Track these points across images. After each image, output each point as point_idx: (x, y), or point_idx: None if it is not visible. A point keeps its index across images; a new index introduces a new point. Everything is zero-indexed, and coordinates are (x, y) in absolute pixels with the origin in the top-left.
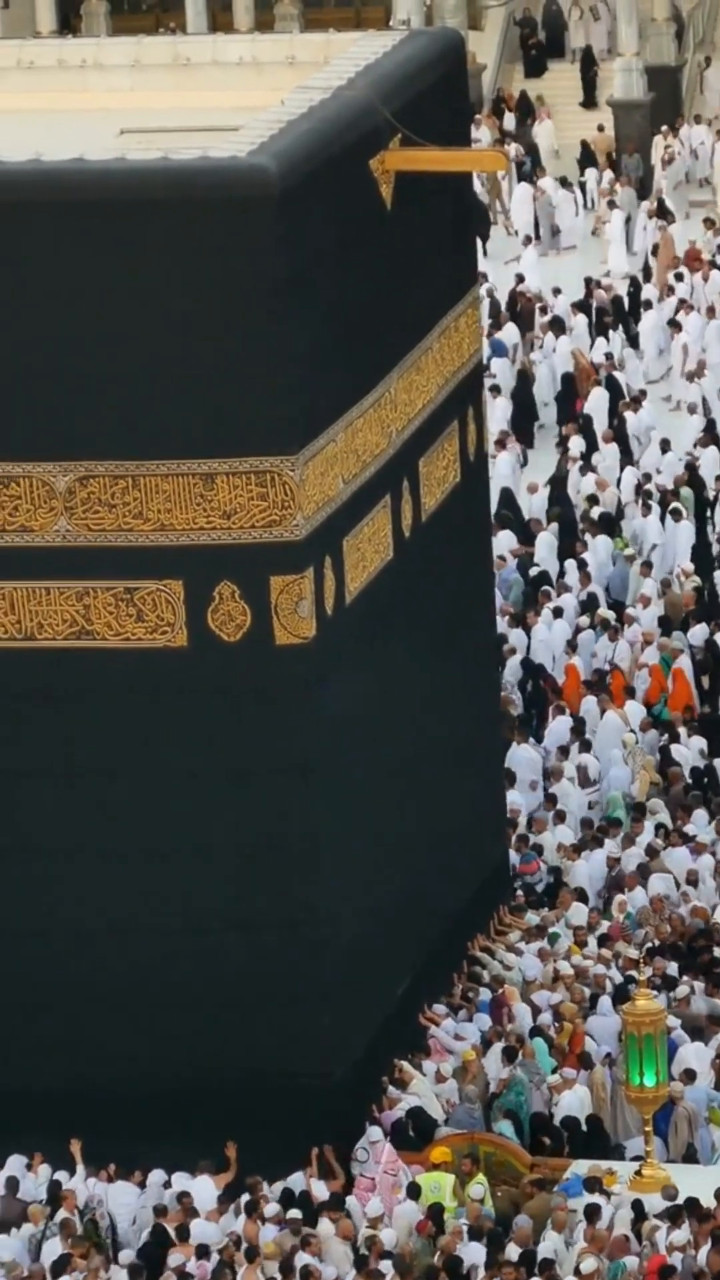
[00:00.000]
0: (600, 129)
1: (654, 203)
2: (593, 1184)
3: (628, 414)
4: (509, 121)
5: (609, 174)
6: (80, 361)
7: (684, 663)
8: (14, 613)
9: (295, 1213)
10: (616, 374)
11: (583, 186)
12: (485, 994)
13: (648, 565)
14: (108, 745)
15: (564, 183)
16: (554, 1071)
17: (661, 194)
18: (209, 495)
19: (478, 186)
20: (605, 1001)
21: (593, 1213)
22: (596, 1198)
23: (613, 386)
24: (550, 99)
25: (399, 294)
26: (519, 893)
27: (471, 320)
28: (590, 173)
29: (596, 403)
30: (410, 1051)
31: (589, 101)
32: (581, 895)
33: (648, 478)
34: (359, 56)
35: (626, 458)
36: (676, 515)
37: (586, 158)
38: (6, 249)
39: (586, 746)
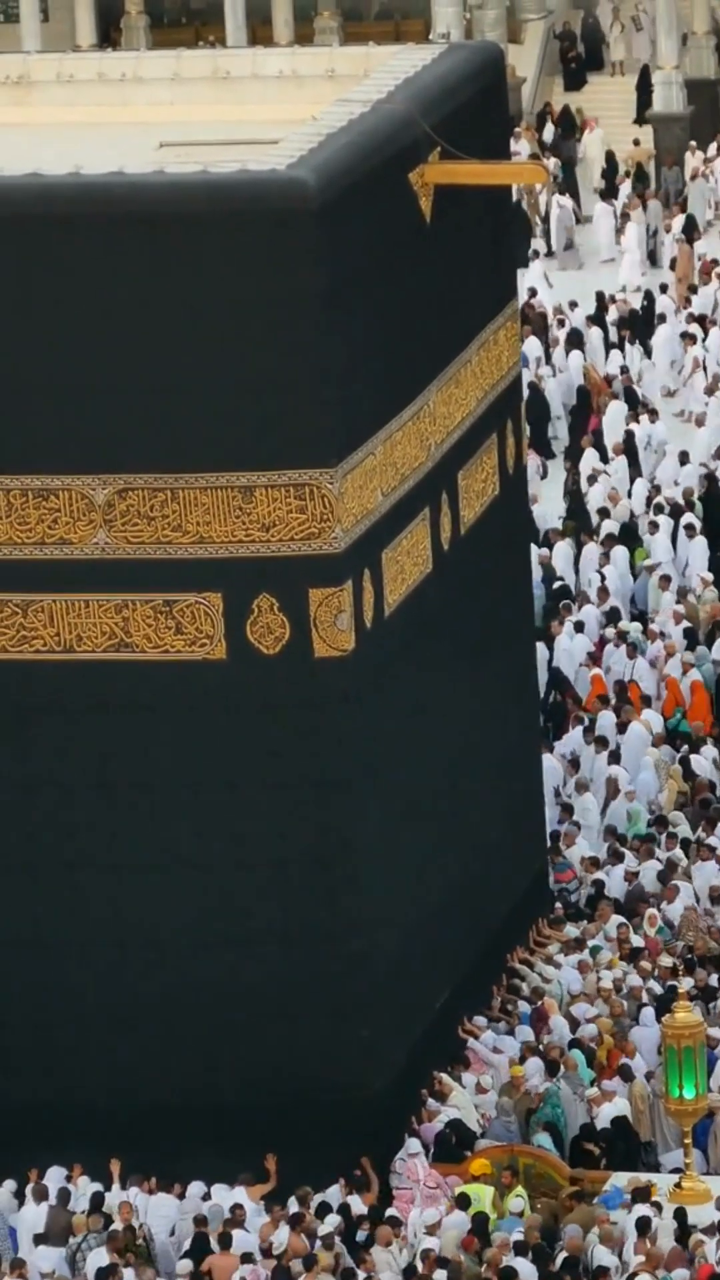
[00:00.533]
0: (636, 143)
1: (673, 216)
2: (642, 1194)
3: (635, 427)
4: (549, 134)
5: (625, 188)
6: (119, 374)
7: (698, 675)
8: (53, 625)
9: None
10: (635, 387)
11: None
12: (525, 1006)
13: (666, 579)
14: (147, 758)
15: (603, 195)
16: (592, 1084)
17: (687, 208)
18: (248, 508)
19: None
20: (648, 1013)
21: (644, 1225)
22: (646, 1209)
23: (630, 399)
24: (590, 112)
25: (438, 307)
26: (558, 905)
27: (510, 333)
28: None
29: (614, 416)
30: (450, 1063)
31: (642, 117)
32: (619, 908)
33: (657, 489)
34: (399, 70)
35: (635, 470)
36: (690, 531)
37: (612, 170)
38: (46, 262)
39: (615, 758)
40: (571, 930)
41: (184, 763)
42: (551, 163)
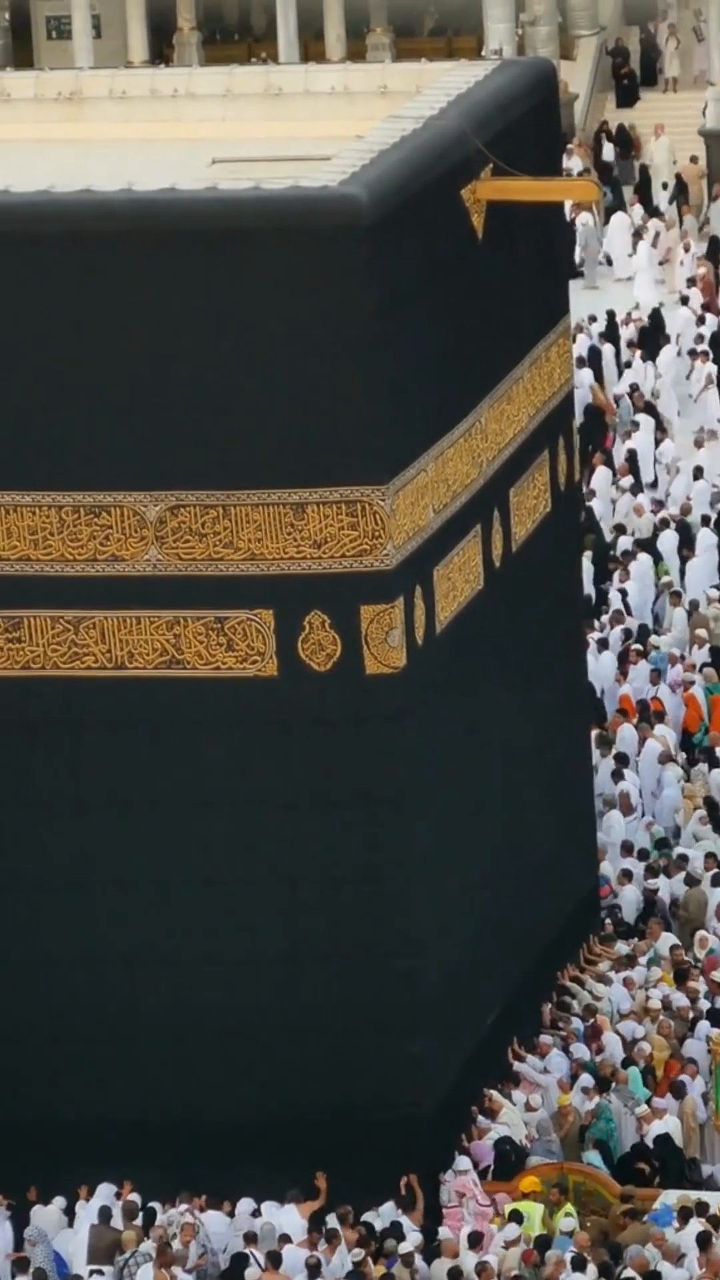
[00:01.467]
0: (694, 160)
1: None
2: (700, 1209)
3: (632, 444)
4: (608, 152)
5: (638, 208)
6: (171, 391)
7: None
8: (104, 642)
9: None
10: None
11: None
12: (577, 1023)
13: (676, 594)
14: (198, 774)
15: (655, 211)
16: (647, 1101)
17: (710, 227)
18: (299, 525)
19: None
20: (704, 1026)
21: (704, 1240)
22: (702, 1224)
23: (653, 414)
24: (642, 129)
25: (490, 324)
26: (608, 922)
27: (563, 350)
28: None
29: (644, 432)
30: (500, 1081)
31: None
32: (667, 925)
33: (660, 505)
34: (451, 86)
35: (636, 487)
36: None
37: (680, 188)
38: (98, 278)
39: (620, 775)
40: (622, 948)
41: (235, 780)
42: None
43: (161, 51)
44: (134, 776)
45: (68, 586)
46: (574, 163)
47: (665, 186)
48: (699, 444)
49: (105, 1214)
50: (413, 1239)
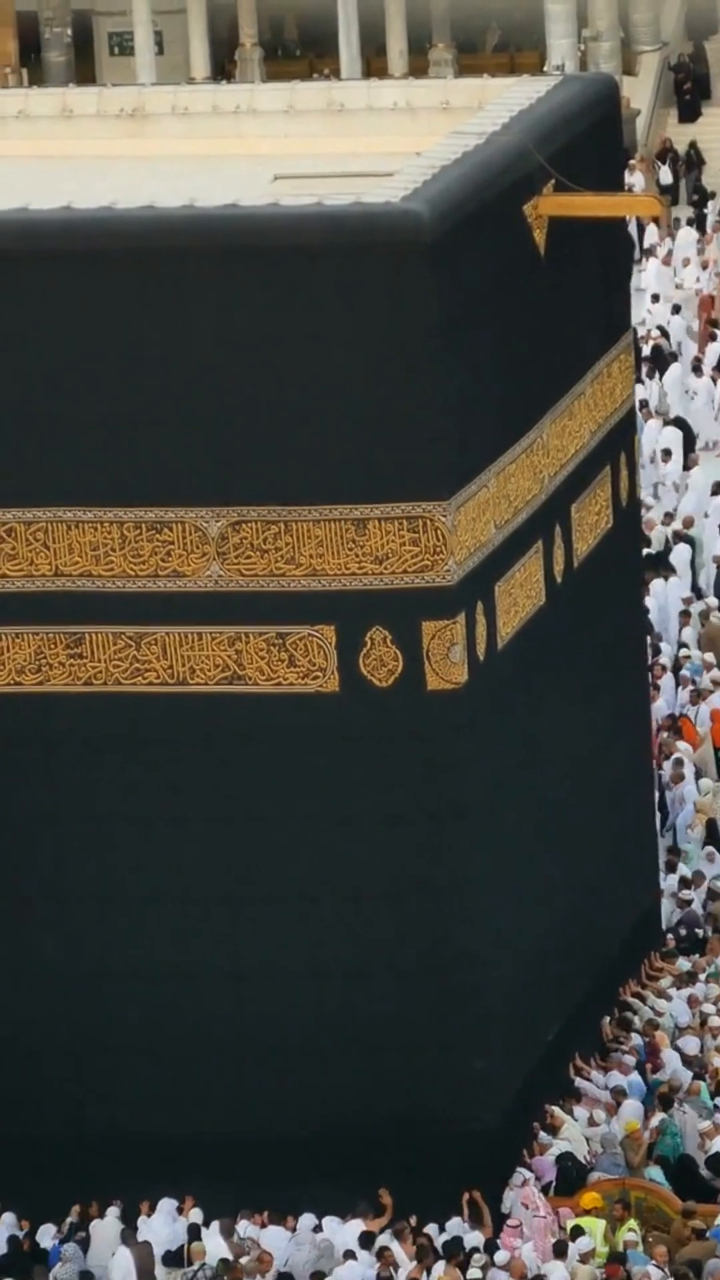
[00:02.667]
0: None
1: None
2: None
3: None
4: (665, 175)
5: (653, 227)
6: (232, 407)
7: None
8: (166, 658)
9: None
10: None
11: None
12: (637, 1040)
13: (685, 613)
14: (260, 790)
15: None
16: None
17: None
18: (361, 540)
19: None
20: None
21: None
22: None
23: (683, 427)
24: (704, 144)
25: (552, 339)
26: (669, 937)
27: (624, 365)
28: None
29: (671, 441)
30: (561, 1096)
31: None
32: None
33: (669, 518)
34: (513, 102)
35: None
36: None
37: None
38: (160, 295)
39: None
40: (683, 964)
41: (296, 795)
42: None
43: (224, 68)
44: (195, 792)
45: (129, 602)
46: (636, 178)
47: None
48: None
49: (194, 1231)
50: (481, 1257)
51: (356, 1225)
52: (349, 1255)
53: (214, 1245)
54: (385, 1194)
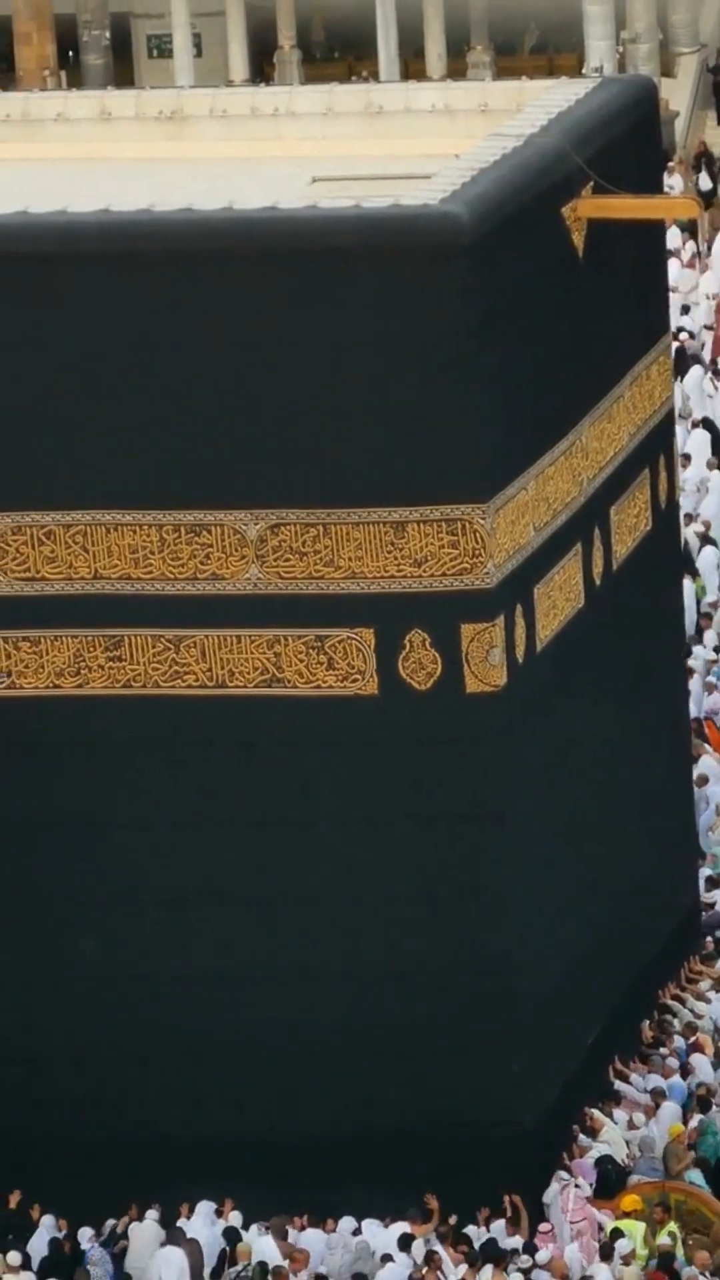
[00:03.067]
0: None
1: None
2: None
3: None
4: (704, 181)
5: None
6: (271, 409)
7: None
8: (205, 660)
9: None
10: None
11: None
12: (679, 1042)
13: (707, 616)
14: (298, 793)
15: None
16: None
17: None
18: (400, 543)
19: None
20: None
21: None
22: None
23: (711, 429)
24: None
25: (590, 341)
26: (709, 940)
27: (663, 368)
28: None
29: (697, 444)
30: (601, 1099)
31: None
32: None
33: (690, 518)
34: (551, 104)
35: None
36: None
37: None
38: (198, 297)
39: None
40: None
41: (335, 798)
42: None
43: (262, 70)
44: (233, 795)
45: (168, 605)
46: (675, 180)
47: None
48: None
49: (233, 1234)
50: (525, 1259)
51: (398, 1229)
52: (386, 1259)
53: (264, 1245)
54: (431, 1199)
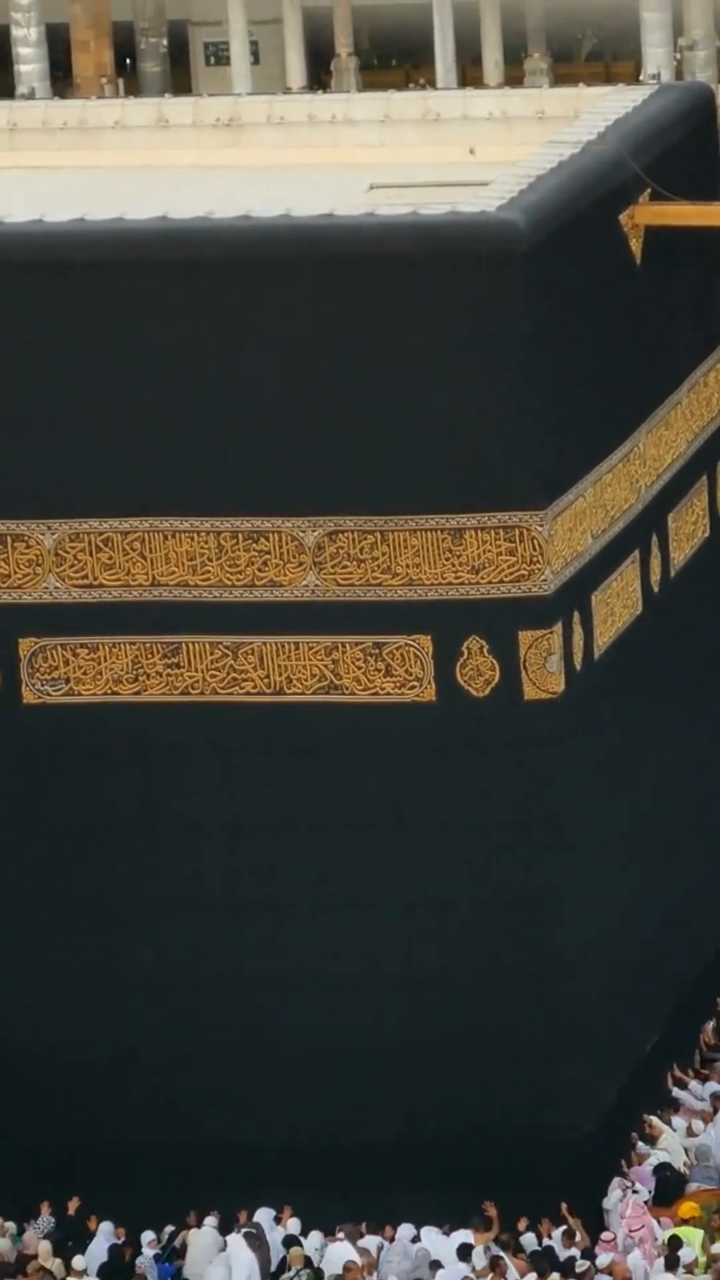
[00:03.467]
0: None
1: None
2: None
3: None
4: None
5: None
6: (329, 416)
7: None
8: (263, 667)
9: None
10: None
11: None
12: None
13: None
14: (356, 799)
15: None
16: None
17: None
18: (457, 550)
19: None
20: None
21: None
22: None
23: None
24: None
25: (648, 349)
26: None
27: None
28: None
29: None
30: (659, 1106)
31: None
32: None
33: None
34: (609, 111)
35: None
36: None
37: None
38: (256, 305)
39: None
40: None
41: (391, 804)
42: None
43: (319, 77)
44: (290, 801)
45: (226, 612)
46: None
47: None
48: None
49: (292, 1240)
50: (583, 1264)
51: (459, 1236)
52: (435, 1265)
53: (342, 1250)
54: (490, 1207)
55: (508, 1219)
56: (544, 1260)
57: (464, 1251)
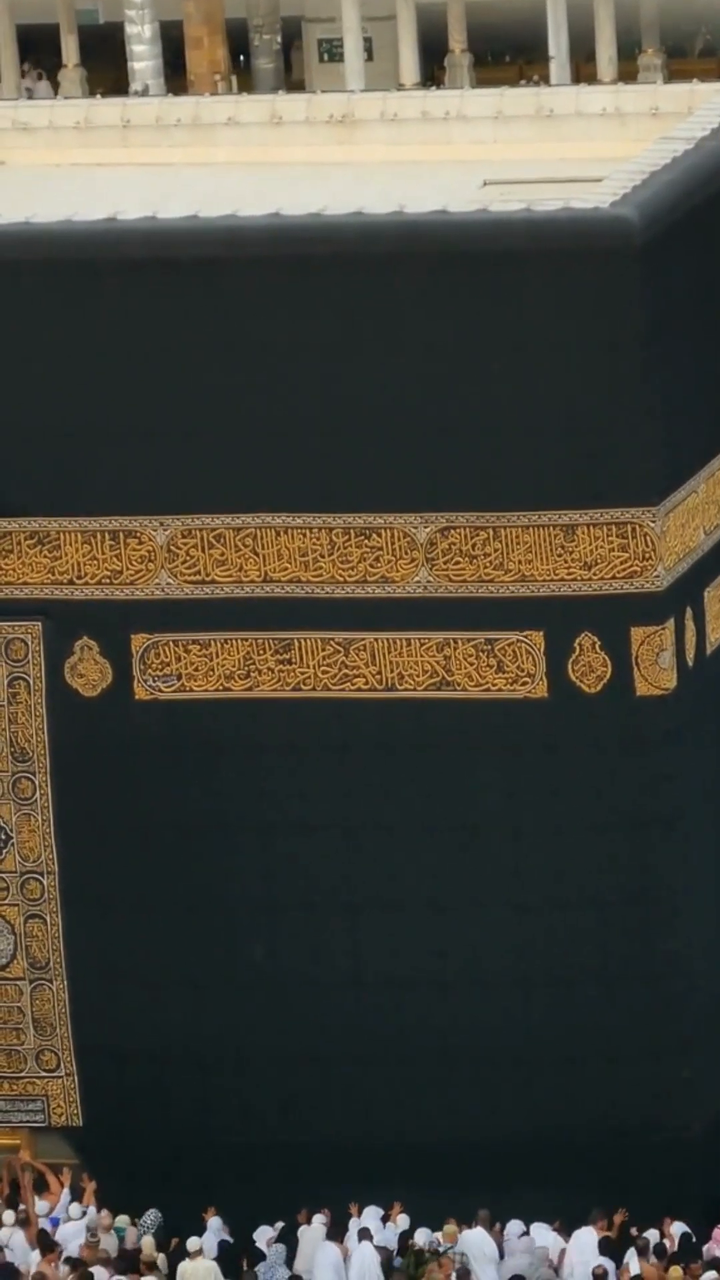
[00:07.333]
0: None
1: None
2: None
3: None
4: None
5: None
6: (441, 412)
7: None
8: (375, 664)
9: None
10: None
11: None
12: None
13: None
14: (468, 797)
15: None
16: None
17: None
18: (570, 546)
19: None
20: None
21: None
22: None
23: None
24: None
25: None
26: None
27: None
28: None
29: None
30: None
31: None
32: None
33: None
34: None
35: None
36: None
37: None
38: (370, 301)
39: None
40: None
41: (504, 801)
42: None
43: (433, 74)
44: (402, 798)
45: (338, 608)
46: None
47: None
48: None
49: (402, 1239)
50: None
51: (590, 1230)
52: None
53: (474, 1237)
54: (623, 1213)
55: (624, 1217)
56: (670, 1253)
57: (606, 1246)
